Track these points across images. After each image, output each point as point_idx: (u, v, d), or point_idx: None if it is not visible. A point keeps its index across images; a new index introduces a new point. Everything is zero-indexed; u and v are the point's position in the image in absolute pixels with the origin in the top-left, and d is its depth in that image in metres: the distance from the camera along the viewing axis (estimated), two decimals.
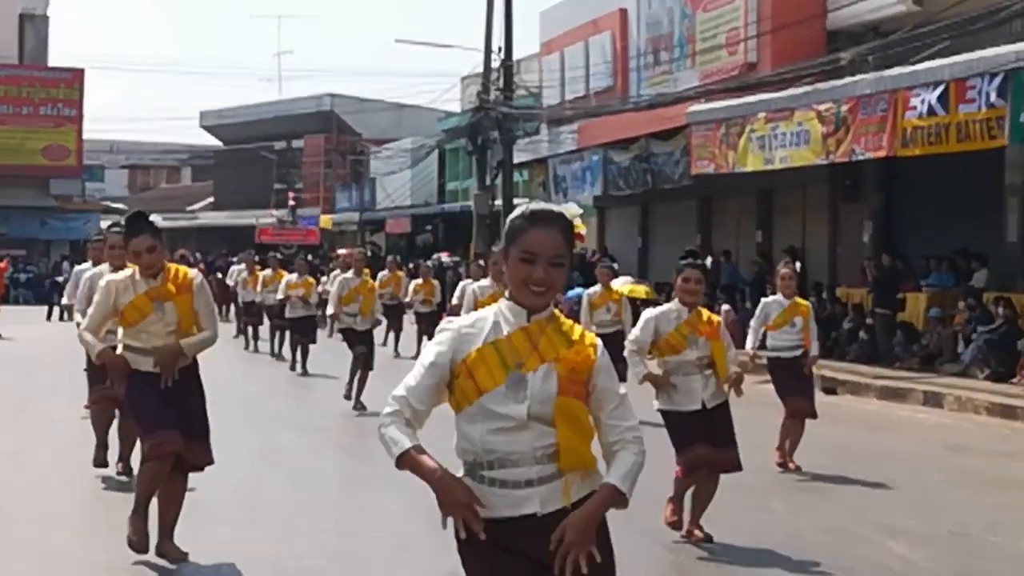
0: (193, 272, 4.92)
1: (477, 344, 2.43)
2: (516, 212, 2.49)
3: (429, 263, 17.68)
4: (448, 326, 2.51)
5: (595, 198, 20.91)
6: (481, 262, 14.45)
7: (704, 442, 5.24)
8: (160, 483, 4.76)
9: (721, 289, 16.90)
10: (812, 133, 13.59)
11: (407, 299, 15.13)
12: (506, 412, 2.37)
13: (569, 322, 2.51)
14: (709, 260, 5.73)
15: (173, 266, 4.91)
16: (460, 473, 2.42)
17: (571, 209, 2.56)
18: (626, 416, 2.43)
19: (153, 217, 4.93)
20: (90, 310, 4.94)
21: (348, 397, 10.22)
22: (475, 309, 3.70)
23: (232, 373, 12.51)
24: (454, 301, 12.18)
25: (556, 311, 2.49)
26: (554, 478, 2.39)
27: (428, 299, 15.05)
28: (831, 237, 16.72)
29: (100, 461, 6.70)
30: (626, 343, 5.50)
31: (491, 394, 2.38)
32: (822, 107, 13.39)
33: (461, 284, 13.40)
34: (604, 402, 2.42)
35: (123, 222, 4.94)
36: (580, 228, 2.61)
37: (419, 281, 15.46)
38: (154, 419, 4.69)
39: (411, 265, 20.79)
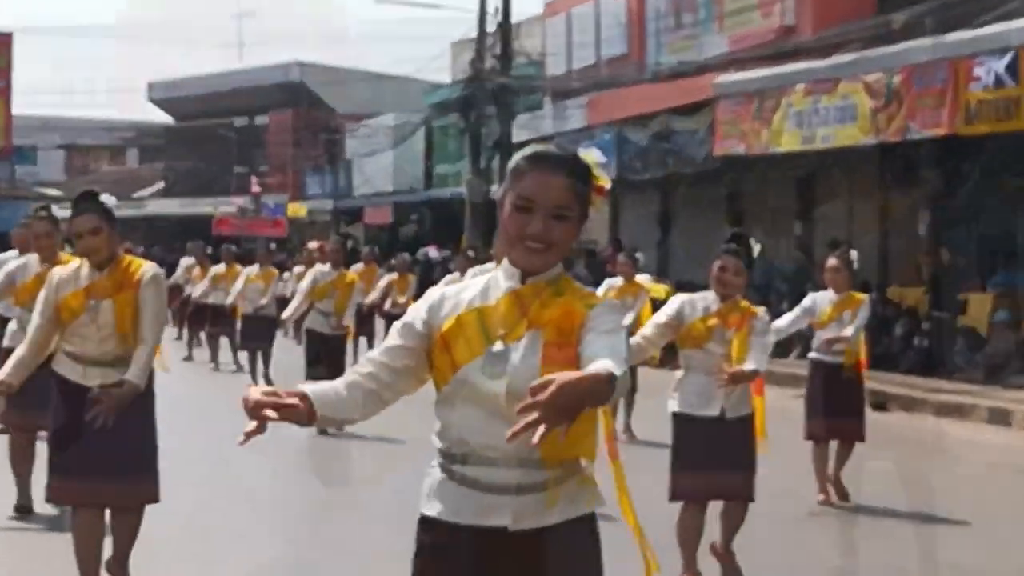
0: (148, 266, 4.80)
1: (459, 311, 2.37)
2: (518, 153, 2.43)
3: (406, 255, 16.95)
4: (431, 291, 2.49)
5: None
6: (471, 252, 14.36)
7: (705, 469, 5.15)
8: (95, 534, 4.71)
9: (755, 289, 16.87)
10: (859, 108, 13.60)
11: (371, 297, 14.29)
12: (482, 391, 2.29)
13: (579, 286, 2.43)
14: (758, 247, 5.56)
15: (128, 258, 4.82)
16: (433, 464, 2.38)
17: (590, 155, 2.48)
18: (613, 342, 2.25)
19: (104, 198, 4.86)
20: (35, 310, 4.87)
21: (329, 431, 9.74)
22: None
23: (182, 384, 12.49)
24: None
25: (568, 277, 2.42)
26: (537, 489, 2.29)
27: (399, 298, 14.54)
28: (881, 229, 16.72)
29: (23, 507, 6.38)
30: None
31: (466, 369, 2.32)
32: (871, 78, 13.39)
33: (446, 279, 13.25)
34: (588, 331, 2.28)
35: (72, 203, 4.85)
36: (601, 181, 2.51)
37: (394, 276, 15.06)
38: (63, 458, 4.61)
39: (394, 261, 20.73)
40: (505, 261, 2.42)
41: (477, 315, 2.35)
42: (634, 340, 5.24)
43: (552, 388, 2.00)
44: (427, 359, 2.39)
